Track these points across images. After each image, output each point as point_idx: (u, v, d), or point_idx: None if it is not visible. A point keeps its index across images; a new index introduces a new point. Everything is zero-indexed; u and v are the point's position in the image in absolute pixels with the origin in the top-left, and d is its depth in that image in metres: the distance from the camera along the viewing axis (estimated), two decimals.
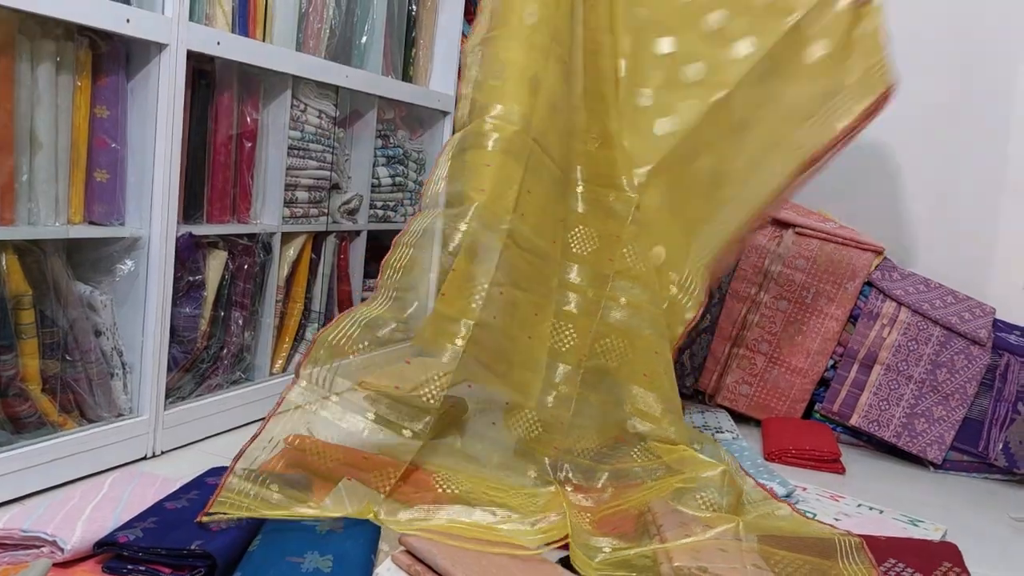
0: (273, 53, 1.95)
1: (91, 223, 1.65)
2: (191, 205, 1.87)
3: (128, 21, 1.57)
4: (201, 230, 1.88)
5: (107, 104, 1.64)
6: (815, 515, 1.75)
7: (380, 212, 2.54)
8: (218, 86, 1.89)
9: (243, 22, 1.91)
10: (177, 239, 1.76)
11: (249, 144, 1.99)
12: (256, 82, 1.99)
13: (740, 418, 2.53)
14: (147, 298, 1.72)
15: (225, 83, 1.90)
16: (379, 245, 2.74)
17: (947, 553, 1.54)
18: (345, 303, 2.42)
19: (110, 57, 1.63)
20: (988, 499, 2.11)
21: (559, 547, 1.47)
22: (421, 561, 1.28)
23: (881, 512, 1.83)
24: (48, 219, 1.56)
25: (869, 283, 2.48)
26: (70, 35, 1.55)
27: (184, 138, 1.76)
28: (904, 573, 1.46)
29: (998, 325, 2.46)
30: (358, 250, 2.45)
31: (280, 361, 2.20)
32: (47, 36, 1.51)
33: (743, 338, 2.53)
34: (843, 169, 2.68)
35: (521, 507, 1.60)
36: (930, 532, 1.75)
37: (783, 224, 2.62)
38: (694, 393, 2.62)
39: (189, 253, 1.84)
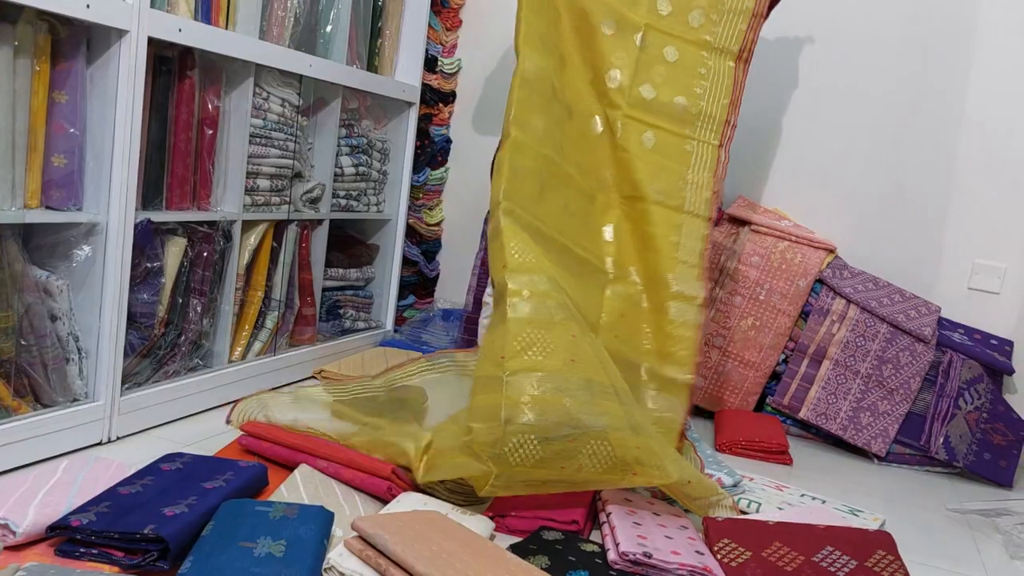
0: (235, 41, 1.95)
1: (48, 208, 1.65)
2: (150, 191, 1.87)
3: (88, 7, 1.57)
4: (160, 217, 1.88)
5: (66, 89, 1.63)
6: (760, 504, 1.81)
7: (343, 201, 2.55)
8: (179, 73, 1.89)
9: (206, 9, 1.91)
10: (135, 225, 1.76)
11: (210, 131, 1.99)
12: (218, 69, 1.99)
13: (694, 410, 2.59)
14: (104, 284, 1.72)
15: (186, 70, 1.90)
16: (342, 234, 2.76)
17: (882, 541, 1.60)
18: (307, 292, 2.43)
19: (69, 42, 1.63)
20: (927, 491, 2.19)
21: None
22: (373, 546, 1.31)
23: (823, 502, 1.89)
24: (4, 203, 1.56)
25: (820, 280, 2.54)
26: (29, 19, 1.54)
27: (144, 125, 1.77)
28: (839, 561, 1.52)
29: (943, 323, 2.54)
30: (320, 239, 2.46)
31: (239, 349, 2.21)
32: (4, 20, 1.51)
33: None
34: (797, 169, 2.75)
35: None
36: (868, 522, 1.81)
37: (739, 221, 2.67)
38: None
39: (147, 239, 1.84)
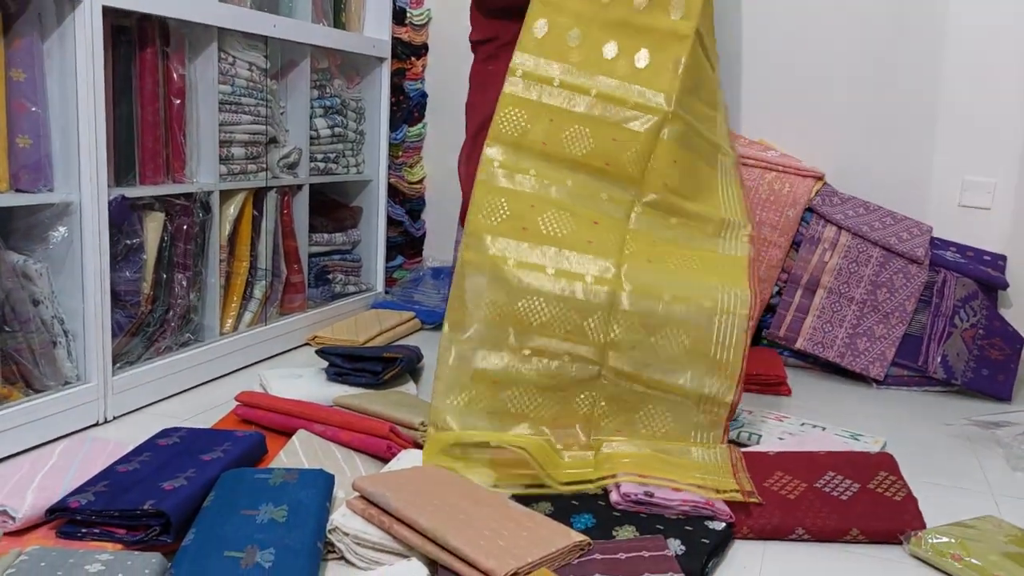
0: (195, 4, 1.89)
1: (18, 191, 1.61)
2: (123, 167, 1.84)
3: None
4: (135, 192, 1.84)
5: (23, 67, 1.59)
6: (760, 436, 1.82)
7: (321, 164, 2.51)
8: (139, 42, 1.84)
9: None
10: (110, 202, 1.73)
11: (178, 101, 1.94)
12: (180, 36, 1.94)
13: None
14: (84, 264, 1.70)
15: (147, 39, 1.85)
16: (323, 199, 2.72)
17: (883, 463, 1.61)
18: (293, 259, 2.40)
19: (22, 17, 1.58)
20: (927, 410, 2.20)
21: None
22: (375, 505, 1.31)
23: (824, 429, 1.89)
24: None
25: (810, 209, 2.52)
26: None
27: (108, 98, 1.72)
28: (842, 484, 1.52)
29: (935, 243, 2.52)
30: (301, 204, 2.42)
31: (230, 320, 2.19)
32: None
33: None
34: (781, 97, 2.71)
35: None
36: (869, 445, 1.82)
37: None
38: None
39: (124, 216, 1.81)
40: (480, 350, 1.63)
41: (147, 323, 1.92)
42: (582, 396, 1.65)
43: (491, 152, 1.73)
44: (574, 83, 1.78)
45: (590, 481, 1.50)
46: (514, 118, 1.75)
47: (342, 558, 1.27)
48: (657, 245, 1.76)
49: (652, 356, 1.64)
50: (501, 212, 1.68)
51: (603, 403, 1.66)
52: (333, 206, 2.75)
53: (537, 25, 1.81)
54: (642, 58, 1.82)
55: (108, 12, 1.67)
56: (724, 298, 1.68)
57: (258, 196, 2.24)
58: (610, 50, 1.81)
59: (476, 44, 2.22)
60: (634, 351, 1.63)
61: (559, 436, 1.64)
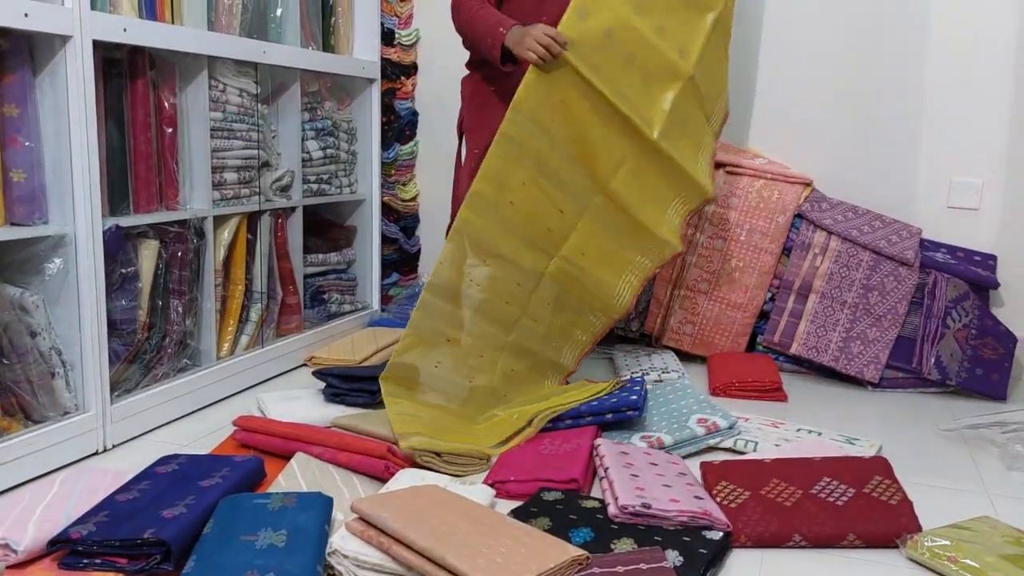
0: (184, 35, 1.92)
1: (13, 224, 1.63)
2: (116, 197, 1.85)
3: (26, 15, 1.53)
4: (129, 221, 1.86)
5: (15, 102, 1.61)
6: (757, 443, 1.83)
7: (314, 186, 2.53)
8: (130, 74, 1.86)
9: (150, 6, 1.87)
10: (104, 232, 1.75)
11: (170, 130, 1.96)
12: (170, 66, 1.96)
13: (687, 357, 2.60)
14: (80, 295, 1.71)
15: (137, 70, 1.87)
16: (317, 219, 2.74)
17: (878, 467, 1.62)
18: (288, 280, 2.42)
19: (13, 54, 1.60)
20: (922, 412, 2.21)
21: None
22: (374, 526, 1.32)
23: (820, 434, 1.91)
24: None
25: (800, 215, 2.54)
26: None
27: (101, 130, 1.74)
28: (837, 490, 1.54)
29: (925, 244, 2.54)
30: (295, 226, 2.44)
31: (226, 344, 2.20)
32: None
33: (683, 279, 2.59)
34: (768, 105, 2.73)
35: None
36: (865, 449, 1.83)
37: (715, 164, 2.66)
38: (640, 336, 2.68)
39: (118, 245, 1.82)
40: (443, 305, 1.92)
41: (144, 350, 1.94)
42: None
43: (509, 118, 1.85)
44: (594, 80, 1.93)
45: (523, 428, 1.83)
46: (535, 96, 1.87)
47: None
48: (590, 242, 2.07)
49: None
50: (503, 182, 1.88)
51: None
52: (327, 226, 2.77)
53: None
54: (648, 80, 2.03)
55: (99, 45, 1.69)
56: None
57: (252, 220, 2.26)
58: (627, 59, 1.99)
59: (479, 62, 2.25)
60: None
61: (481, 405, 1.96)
